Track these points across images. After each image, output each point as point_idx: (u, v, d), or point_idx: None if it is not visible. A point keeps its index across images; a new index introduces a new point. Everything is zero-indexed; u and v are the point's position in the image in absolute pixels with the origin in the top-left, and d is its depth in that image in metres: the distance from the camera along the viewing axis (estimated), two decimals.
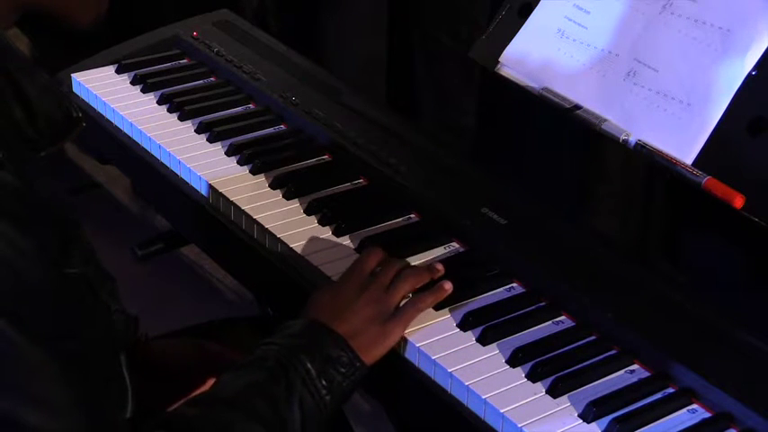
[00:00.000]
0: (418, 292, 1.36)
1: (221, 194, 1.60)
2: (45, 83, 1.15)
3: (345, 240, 1.50)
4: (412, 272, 1.36)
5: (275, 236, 1.51)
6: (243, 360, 1.25)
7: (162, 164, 1.71)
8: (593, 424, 1.21)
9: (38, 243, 1.03)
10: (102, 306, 1.17)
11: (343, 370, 1.24)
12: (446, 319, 1.36)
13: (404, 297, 1.34)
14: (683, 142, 1.42)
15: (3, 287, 0.99)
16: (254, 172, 1.65)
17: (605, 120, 1.50)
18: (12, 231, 1.00)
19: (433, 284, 1.37)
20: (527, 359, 1.29)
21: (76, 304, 1.09)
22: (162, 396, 1.41)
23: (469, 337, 1.33)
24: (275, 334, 1.27)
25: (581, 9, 1.58)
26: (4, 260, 0.99)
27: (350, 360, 1.25)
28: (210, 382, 1.32)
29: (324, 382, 1.22)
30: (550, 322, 1.36)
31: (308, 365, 1.22)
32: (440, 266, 1.39)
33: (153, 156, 1.73)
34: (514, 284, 1.42)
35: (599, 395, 1.24)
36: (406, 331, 1.33)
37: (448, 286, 1.35)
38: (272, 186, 1.62)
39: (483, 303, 1.38)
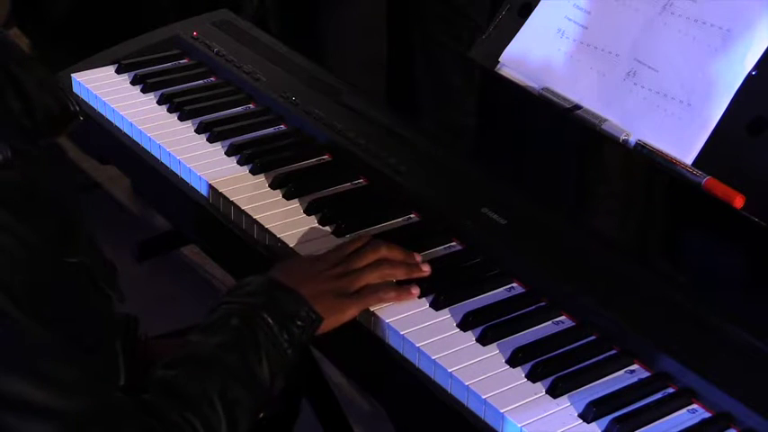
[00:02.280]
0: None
1: (221, 194, 1.60)
2: (43, 76, 1.17)
3: (345, 239, 1.50)
4: (388, 264, 1.38)
5: (275, 236, 1.51)
6: (206, 320, 1.30)
7: (162, 164, 1.71)
8: (593, 424, 1.21)
9: (40, 234, 1.07)
10: (100, 294, 1.21)
11: (300, 323, 1.30)
12: (446, 319, 1.36)
13: (370, 284, 1.37)
14: (683, 142, 1.42)
15: (5, 273, 1.04)
16: (254, 172, 1.65)
17: (605, 120, 1.50)
18: (15, 223, 1.05)
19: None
20: (527, 359, 1.29)
21: (76, 291, 1.13)
22: None
23: (469, 337, 1.33)
24: (233, 292, 1.33)
25: (581, 9, 1.58)
26: (8, 249, 1.04)
27: (306, 314, 1.30)
28: None
29: (285, 336, 1.28)
30: (550, 322, 1.36)
31: (270, 321, 1.28)
32: (426, 268, 1.41)
33: (153, 156, 1.73)
34: (514, 284, 1.42)
35: (599, 395, 1.24)
36: (406, 332, 1.33)
37: (415, 291, 1.37)
38: (272, 186, 1.62)
39: (483, 303, 1.38)
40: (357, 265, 1.37)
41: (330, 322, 1.33)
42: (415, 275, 1.39)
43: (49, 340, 1.06)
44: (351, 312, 1.34)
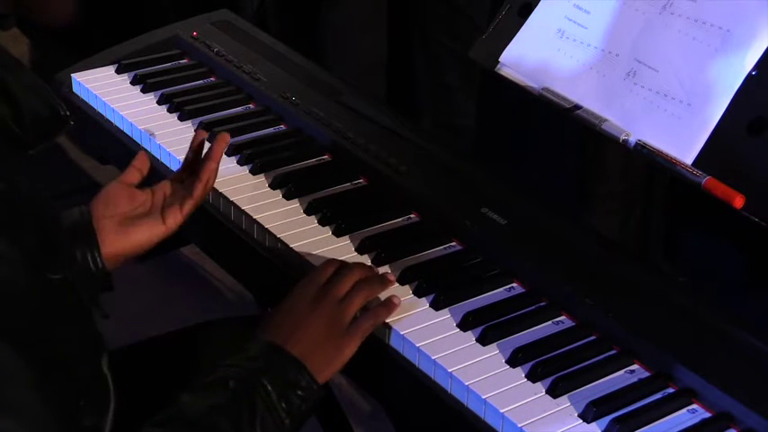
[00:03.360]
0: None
1: (221, 194, 1.60)
2: (32, 82, 1.15)
3: (345, 240, 1.50)
4: (366, 284, 1.35)
5: (275, 236, 1.51)
6: (203, 381, 1.25)
7: (162, 164, 1.71)
8: (593, 424, 1.22)
9: (22, 248, 1.01)
10: (84, 309, 1.15)
11: (300, 393, 1.24)
12: (446, 319, 1.36)
13: (357, 309, 1.33)
14: (683, 142, 1.42)
15: None
16: (254, 172, 1.65)
17: (605, 120, 1.50)
18: None
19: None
20: (527, 359, 1.29)
21: (57, 309, 1.07)
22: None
23: (469, 337, 1.33)
24: (234, 356, 1.27)
25: (581, 9, 1.58)
26: None
27: (308, 383, 1.25)
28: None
29: (284, 405, 1.23)
30: (550, 322, 1.36)
31: (269, 388, 1.23)
32: (392, 277, 1.39)
33: (153, 156, 1.73)
34: (514, 284, 1.42)
35: (599, 395, 1.24)
36: (406, 331, 1.33)
37: (397, 300, 1.35)
38: (272, 186, 1.62)
39: (483, 303, 1.38)
40: (340, 293, 1.33)
41: (334, 367, 1.28)
42: (388, 287, 1.37)
43: (22, 367, 0.99)
44: (351, 350, 1.30)
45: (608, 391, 1.25)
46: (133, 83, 1.89)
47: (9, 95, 1.11)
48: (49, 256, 1.08)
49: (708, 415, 1.23)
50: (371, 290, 1.35)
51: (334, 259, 1.39)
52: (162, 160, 1.71)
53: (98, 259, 1.40)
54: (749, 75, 1.40)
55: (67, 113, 1.18)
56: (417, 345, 1.31)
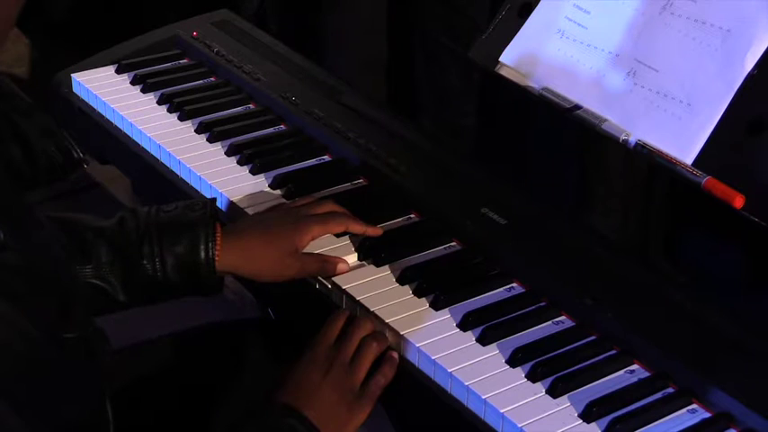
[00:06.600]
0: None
1: (221, 195, 1.60)
2: (46, 125, 1.15)
3: (345, 240, 1.50)
4: (373, 340, 1.34)
5: None
6: None
7: (162, 164, 1.71)
8: (593, 424, 1.21)
9: (38, 318, 1.01)
10: (96, 361, 1.14)
11: None
12: (446, 319, 1.36)
13: (366, 371, 1.33)
14: (683, 142, 1.42)
15: (2, 369, 0.97)
16: (254, 172, 1.65)
17: (605, 120, 1.50)
18: (12, 312, 0.98)
19: None
20: (527, 359, 1.29)
21: (71, 369, 1.07)
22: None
23: (469, 337, 1.33)
24: (252, 418, 1.27)
25: (581, 9, 1.58)
26: (4, 342, 0.97)
27: None
28: None
29: None
30: (550, 322, 1.36)
31: None
32: (388, 340, 1.37)
33: (153, 156, 1.73)
34: (514, 284, 1.42)
35: (599, 395, 1.24)
36: (406, 331, 1.33)
37: (396, 355, 1.34)
38: (272, 186, 1.62)
39: (483, 303, 1.38)
40: (349, 355, 1.33)
41: (347, 431, 1.30)
42: (390, 340, 1.36)
43: (20, 424, 0.97)
44: (363, 416, 1.31)
45: (608, 391, 1.25)
46: (133, 83, 1.89)
47: (22, 138, 1.10)
48: (65, 316, 1.06)
49: (708, 415, 1.23)
50: (378, 346, 1.34)
51: (341, 314, 1.38)
52: (162, 160, 1.71)
53: (213, 265, 1.41)
54: (749, 75, 1.40)
55: (81, 156, 1.18)
56: (417, 345, 1.31)
